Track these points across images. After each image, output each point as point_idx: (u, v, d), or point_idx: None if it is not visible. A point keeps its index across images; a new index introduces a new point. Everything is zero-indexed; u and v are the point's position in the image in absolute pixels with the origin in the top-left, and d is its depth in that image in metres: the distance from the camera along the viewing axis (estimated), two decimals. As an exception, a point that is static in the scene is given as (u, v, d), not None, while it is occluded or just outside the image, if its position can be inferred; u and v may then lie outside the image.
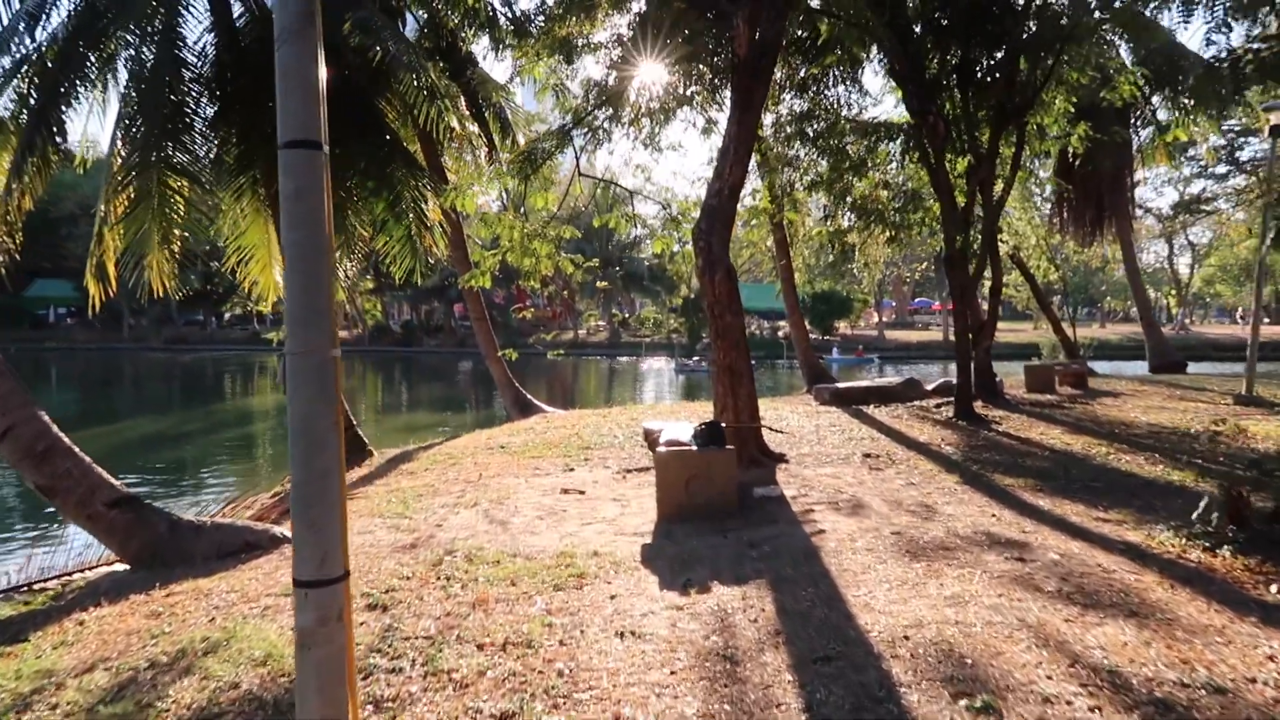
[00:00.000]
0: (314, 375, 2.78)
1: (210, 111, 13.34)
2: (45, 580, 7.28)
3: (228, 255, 14.27)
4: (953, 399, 15.93)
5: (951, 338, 63.67)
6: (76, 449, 7.21)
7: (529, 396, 18.24)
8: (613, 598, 5.10)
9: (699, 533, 6.65)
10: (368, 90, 12.52)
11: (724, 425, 7.73)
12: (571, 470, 9.99)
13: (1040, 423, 13.01)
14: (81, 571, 7.55)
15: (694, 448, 7.18)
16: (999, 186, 16.18)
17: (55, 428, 7.18)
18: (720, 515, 7.02)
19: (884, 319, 71.43)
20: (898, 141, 16.24)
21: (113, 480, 7.19)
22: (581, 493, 8.60)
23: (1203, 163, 41.54)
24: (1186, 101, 23.01)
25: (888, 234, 16.55)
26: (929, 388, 18.48)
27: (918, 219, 16.31)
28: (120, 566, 7.09)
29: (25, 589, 6.98)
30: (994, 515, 6.95)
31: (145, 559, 6.69)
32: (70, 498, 6.88)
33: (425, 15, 17.91)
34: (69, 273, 67.31)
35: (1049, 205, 28.38)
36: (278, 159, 2.93)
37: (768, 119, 16.43)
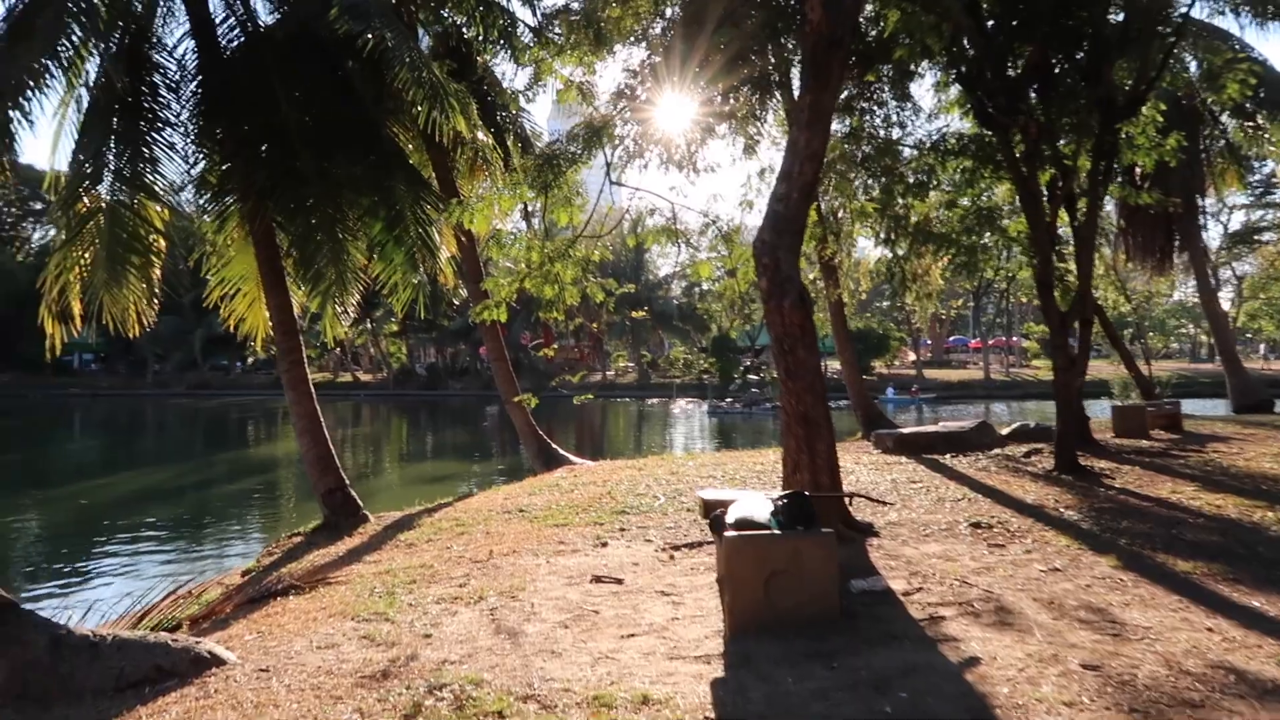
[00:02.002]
0: None
1: (187, 125, 11.74)
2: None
3: (210, 288, 12.56)
4: (1040, 446, 13.88)
5: (994, 375, 61.37)
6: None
7: (554, 446, 16.30)
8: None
9: (791, 658, 4.64)
10: (360, 91, 10.81)
11: (809, 495, 5.73)
12: (604, 545, 8.00)
13: (1160, 476, 10.87)
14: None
15: (774, 530, 5.19)
16: (1082, 204, 14.21)
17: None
18: (816, 627, 5.00)
19: (920, 357, 69.03)
20: (968, 154, 14.31)
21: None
22: (619, 581, 6.61)
23: (1258, 190, 39.36)
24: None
25: (958, 259, 14.57)
26: (1003, 432, 16.38)
27: (993, 240, 14.33)
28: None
29: None
30: (1208, 628, 4.88)
31: (10, 696, 4.78)
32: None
33: (439, 30, 16.38)
34: (93, 318, 66.69)
35: (1112, 231, 26.27)
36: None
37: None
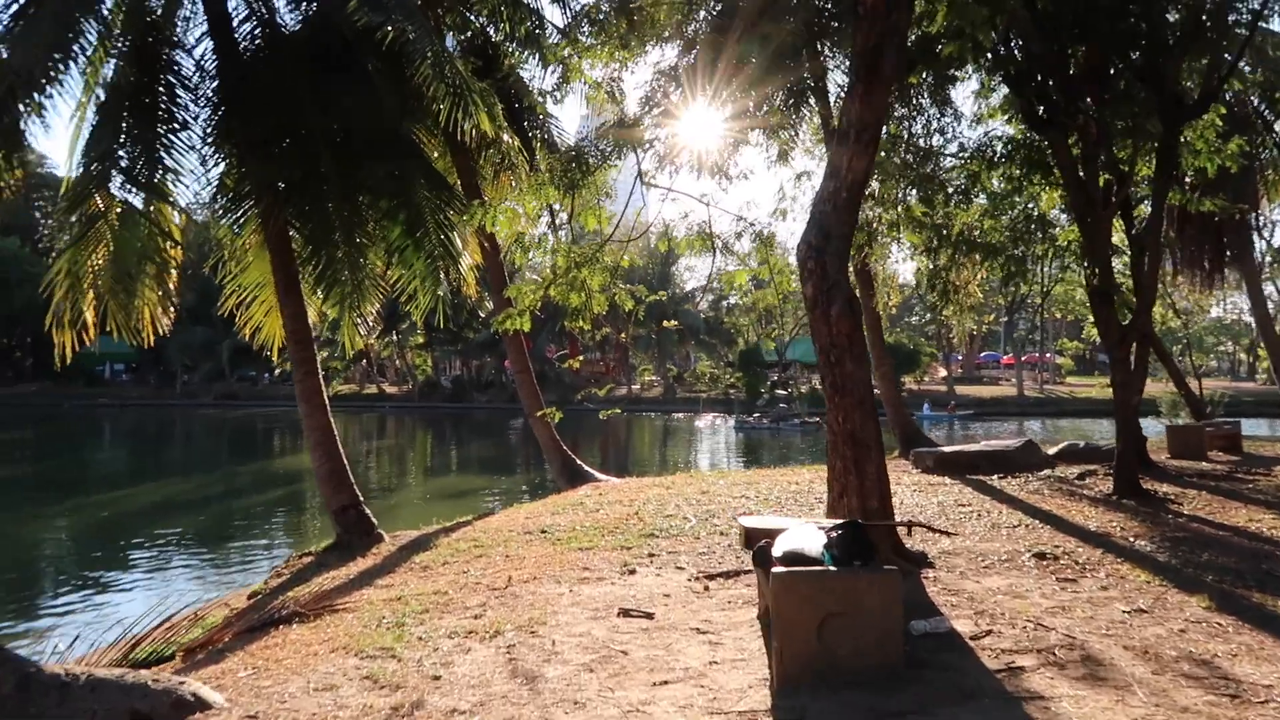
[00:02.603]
0: None
1: (205, 126, 11.34)
2: None
3: (225, 295, 12.12)
4: (1094, 468, 13.11)
5: (1027, 392, 60.10)
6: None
7: (578, 462, 15.71)
8: None
9: (848, 716, 4.01)
10: (381, 91, 10.32)
11: (862, 524, 5.09)
12: (632, 572, 7.38)
13: (1231, 502, 10.11)
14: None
15: (828, 566, 4.56)
16: (1139, 211, 13.52)
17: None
18: (878, 679, 4.36)
19: (951, 373, 67.86)
20: (1016, 161, 13.62)
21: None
22: (649, 616, 5.99)
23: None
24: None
25: (1007, 270, 13.84)
26: (1050, 452, 15.60)
27: (1042, 250, 13.61)
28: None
29: None
30: (1341, 688, 4.19)
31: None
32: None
33: (466, 36, 15.96)
34: (107, 326, 67.04)
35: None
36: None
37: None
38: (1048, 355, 72.59)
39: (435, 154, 14.31)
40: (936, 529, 7.74)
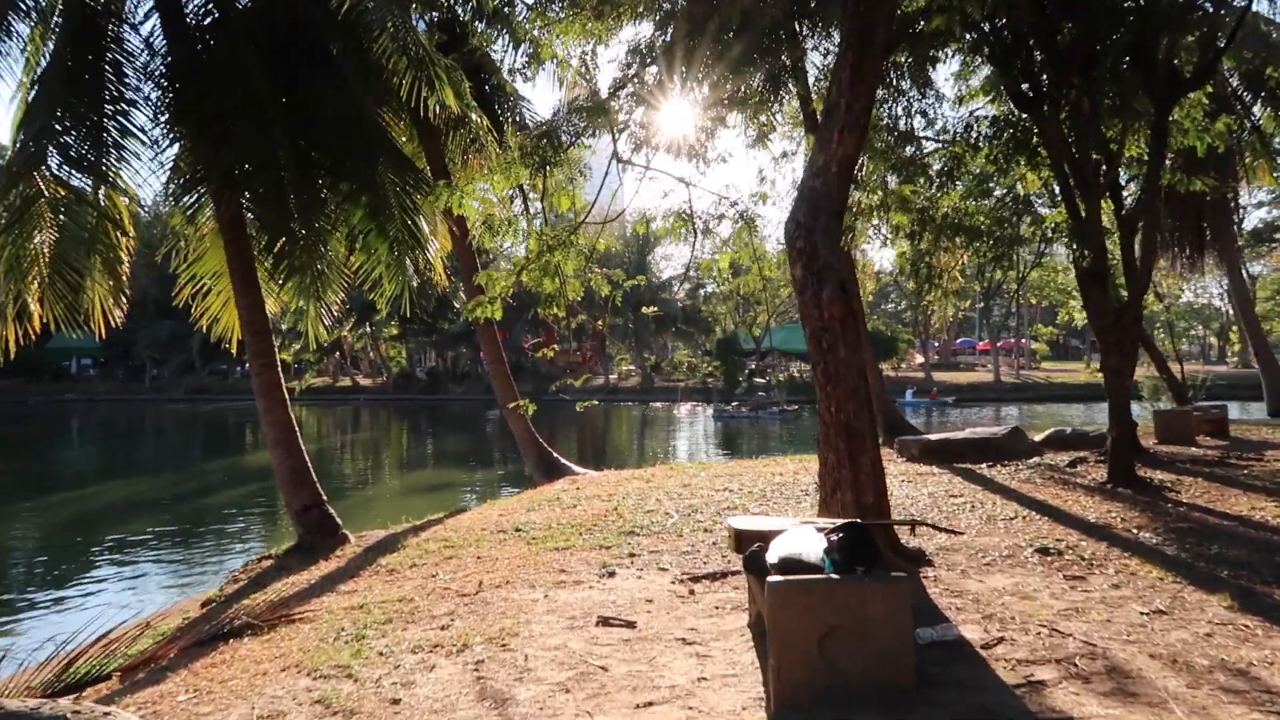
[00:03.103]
0: None
1: (155, 105, 10.71)
2: None
3: (180, 285, 11.50)
4: (1084, 455, 12.80)
5: (1004, 378, 60.15)
6: None
7: (555, 455, 15.22)
8: None
9: (858, 744, 3.58)
10: (343, 69, 9.73)
11: (863, 525, 4.65)
12: (612, 575, 6.92)
13: (1230, 490, 9.78)
14: None
15: (829, 573, 4.11)
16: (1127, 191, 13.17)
17: None
18: (886, 698, 3.93)
19: (928, 359, 67.87)
20: (1000, 142, 13.23)
21: None
22: (630, 625, 5.53)
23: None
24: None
25: (994, 252, 13.46)
26: (1037, 439, 15.29)
27: (1028, 232, 13.23)
28: None
29: None
30: (1396, 701, 3.80)
31: None
32: None
33: (433, 15, 15.36)
34: (90, 323, 65.84)
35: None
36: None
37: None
38: (1023, 341, 72.79)
39: (403, 139, 13.73)
40: (942, 528, 7.31)
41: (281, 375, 9.80)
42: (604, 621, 5.61)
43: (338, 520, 9.79)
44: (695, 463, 16.60)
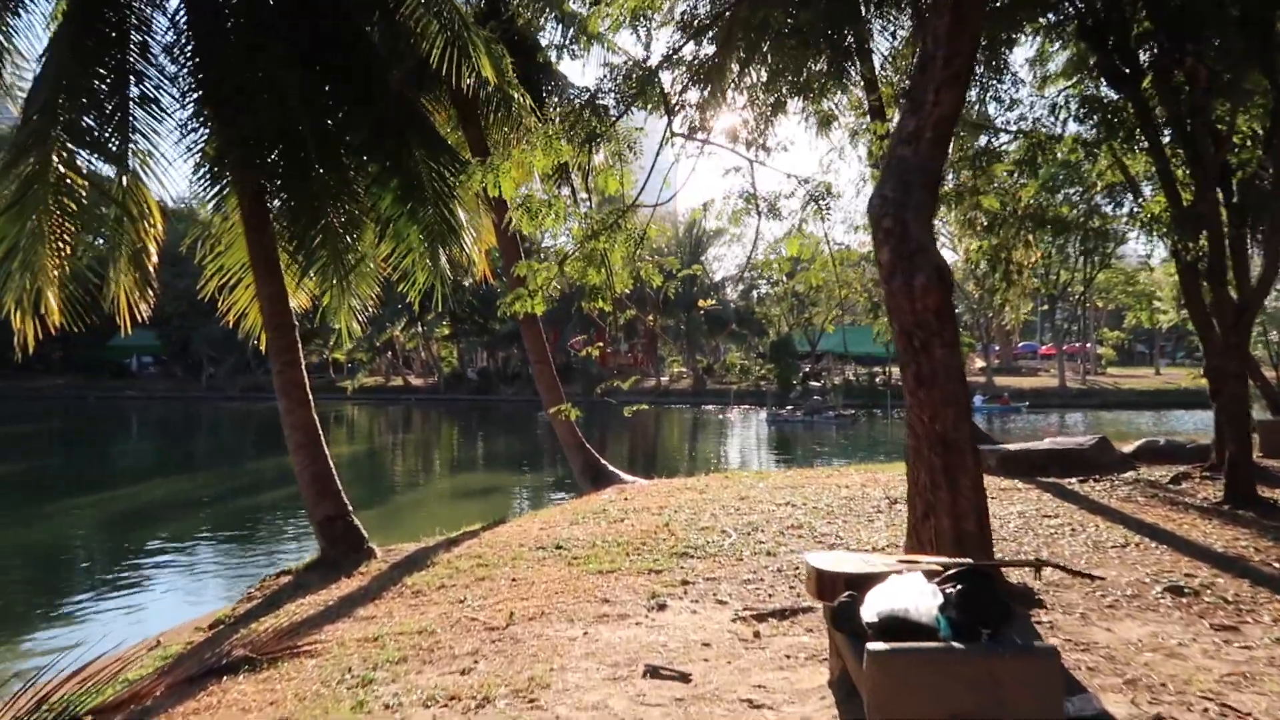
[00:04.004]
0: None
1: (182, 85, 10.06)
2: None
3: (206, 276, 10.86)
4: (1186, 470, 11.52)
5: (1070, 384, 57.99)
6: None
7: (602, 461, 14.32)
8: None
9: None
10: (374, 43, 8.95)
11: (985, 572, 3.66)
12: (662, 608, 5.98)
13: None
14: None
15: (948, 639, 3.13)
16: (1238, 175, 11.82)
17: None
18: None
19: (989, 363, 65.70)
20: (1095, 121, 12.04)
21: None
22: (684, 678, 4.59)
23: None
24: None
25: (1081, 247, 12.30)
26: (1126, 450, 14.00)
27: (1126, 222, 12.03)
28: None
29: None
30: None
31: None
32: None
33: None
34: (151, 321, 66.84)
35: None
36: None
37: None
38: (1088, 345, 70.24)
39: (447, 128, 12.98)
40: (1077, 570, 6.09)
41: (305, 374, 9.04)
42: (653, 672, 4.68)
43: (364, 533, 9.00)
44: (751, 471, 15.59)
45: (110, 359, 72.58)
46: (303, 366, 9.01)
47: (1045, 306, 69.87)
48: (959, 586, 3.30)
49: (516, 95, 9.68)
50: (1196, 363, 79.15)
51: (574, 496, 14.11)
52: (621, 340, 62.25)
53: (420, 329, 64.74)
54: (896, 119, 11.20)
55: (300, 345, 9.13)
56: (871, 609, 3.34)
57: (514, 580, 7.22)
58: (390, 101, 8.92)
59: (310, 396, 9.00)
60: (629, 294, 8.39)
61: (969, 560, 4.09)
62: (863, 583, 3.68)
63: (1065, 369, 61.34)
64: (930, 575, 3.72)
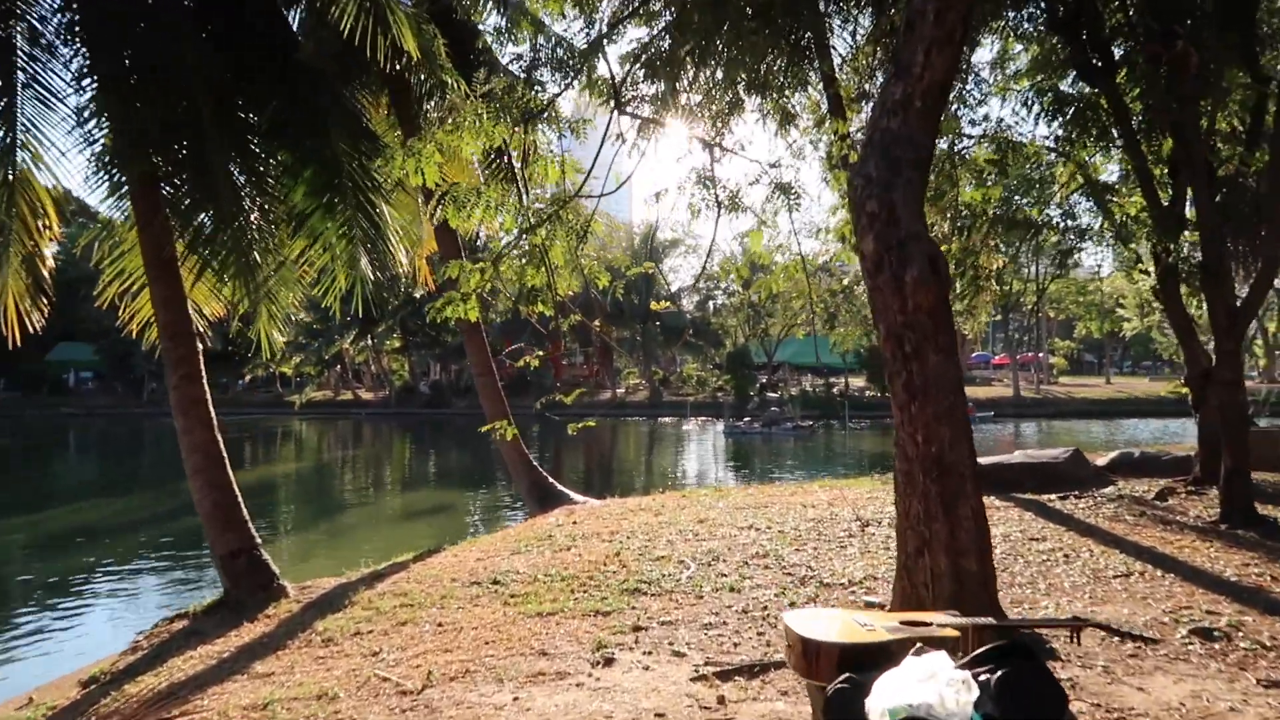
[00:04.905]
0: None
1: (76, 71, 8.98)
2: None
3: (105, 281, 9.75)
4: (1172, 485, 10.92)
5: (1024, 393, 58.23)
6: None
7: (550, 480, 13.35)
8: None
9: None
10: (289, 25, 7.96)
11: (1025, 644, 2.80)
12: (609, 662, 5.06)
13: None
14: None
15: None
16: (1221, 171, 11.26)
17: None
18: None
19: (945, 374, 65.60)
20: (1067, 118, 11.42)
21: None
22: (632, 766, 3.69)
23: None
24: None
25: (1057, 249, 11.65)
26: (1100, 463, 13.40)
27: (1105, 224, 11.39)
28: None
29: None
30: None
31: None
32: None
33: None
34: (89, 336, 64.33)
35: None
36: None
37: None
38: (1040, 355, 70.75)
39: (384, 126, 11.97)
40: (1126, 632, 5.01)
41: (207, 389, 7.98)
42: (593, 758, 3.77)
43: (273, 569, 7.93)
44: (710, 488, 14.73)
45: (48, 374, 70.07)
46: (203, 380, 7.95)
47: (998, 316, 70.29)
48: (998, 672, 2.44)
49: (450, 80, 8.73)
50: (1145, 372, 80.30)
51: (527, 517, 13.14)
52: (576, 351, 61.33)
53: (370, 342, 63.19)
54: (864, 114, 10.49)
55: (200, 355, 8.06)
56: (882, 702, 2.47)
57: (440, 625, 6.25)
58: (306, 85, 7.92)
59: (213, 415, 7.94)
60: (575, 299, 7.49)
61: (992, 620, 3.25)
62: (862, 658, 2.82)
63: (1019, 379, 61.58)
64: (948, 645, 2.87)
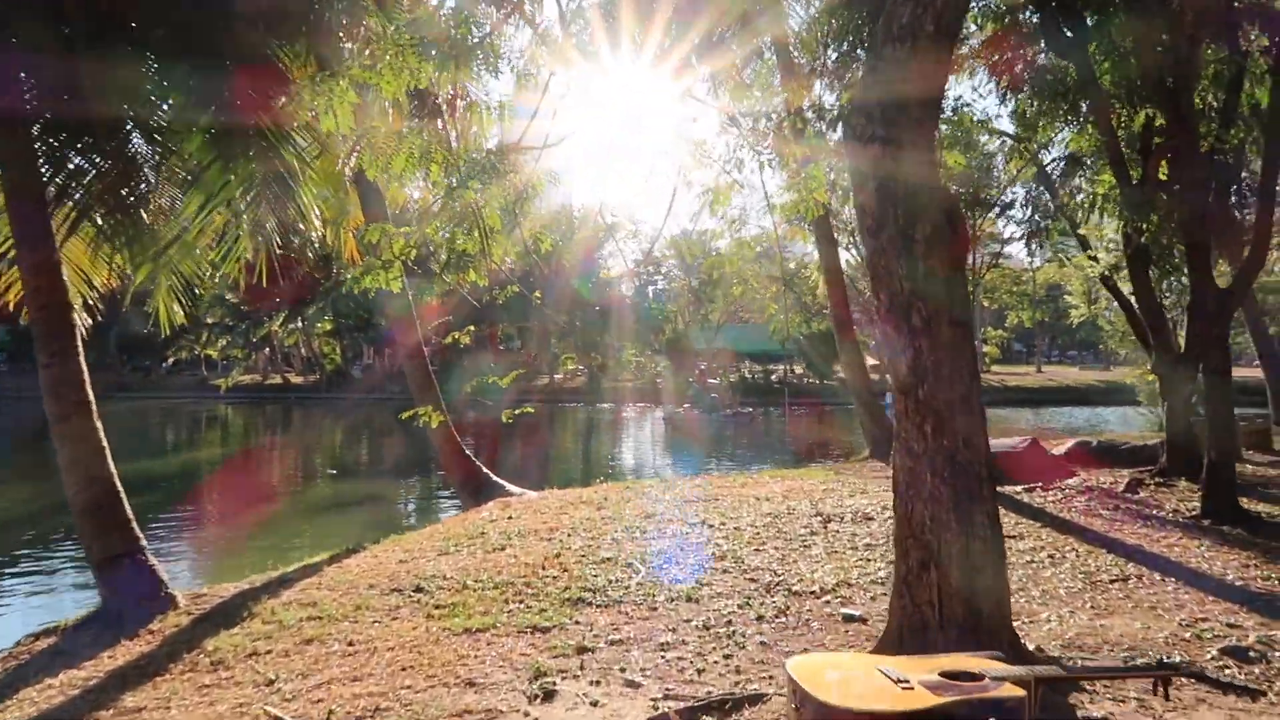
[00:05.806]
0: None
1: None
2: None
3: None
4: (1140, 475, 10.42)
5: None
6: None
7: (485, 471, 12.41)
8: None
9: None
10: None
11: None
12: (550, 695, 4.22)
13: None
14: None
15: None
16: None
17: None
18: None
19: (881, 363, 66.07)
20: (1037, 90, 10.84)
21: None
22: None
23: None
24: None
25: (1029, 226, 11.10)
26: (1058, 452, 12.99)
27: (1085, 202, 10.84)
28: None
29: None
30: None
31: None
32: None
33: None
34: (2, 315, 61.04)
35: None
36: None
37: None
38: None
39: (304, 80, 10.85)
40: (1229, 684, 4.01)
41: (85, 369, 6.89)
42: (531, 841, 2.94)
43: (161, 575, 6.87)
44: (655, 479, 13.96)
45: (-42, 355, 66.40)
46: (81, 359, 6.87)
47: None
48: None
49: (374, 22, 7.70)
50: (1072, 361, 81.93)
51: (461, 510, 12.19)
52: (515, 336, 60.16)
53: (301, 324, 61.11)
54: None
55: (78, 332, 6.96)
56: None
57: (350, 645, 5.34)
58: (201, 19, 6.86)
59: (90, 398, 6.86)
60: (512, 264, 6.61)
61: (1060, 670, 2.50)
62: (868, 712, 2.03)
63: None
64: (1010, 710, 2.10)
